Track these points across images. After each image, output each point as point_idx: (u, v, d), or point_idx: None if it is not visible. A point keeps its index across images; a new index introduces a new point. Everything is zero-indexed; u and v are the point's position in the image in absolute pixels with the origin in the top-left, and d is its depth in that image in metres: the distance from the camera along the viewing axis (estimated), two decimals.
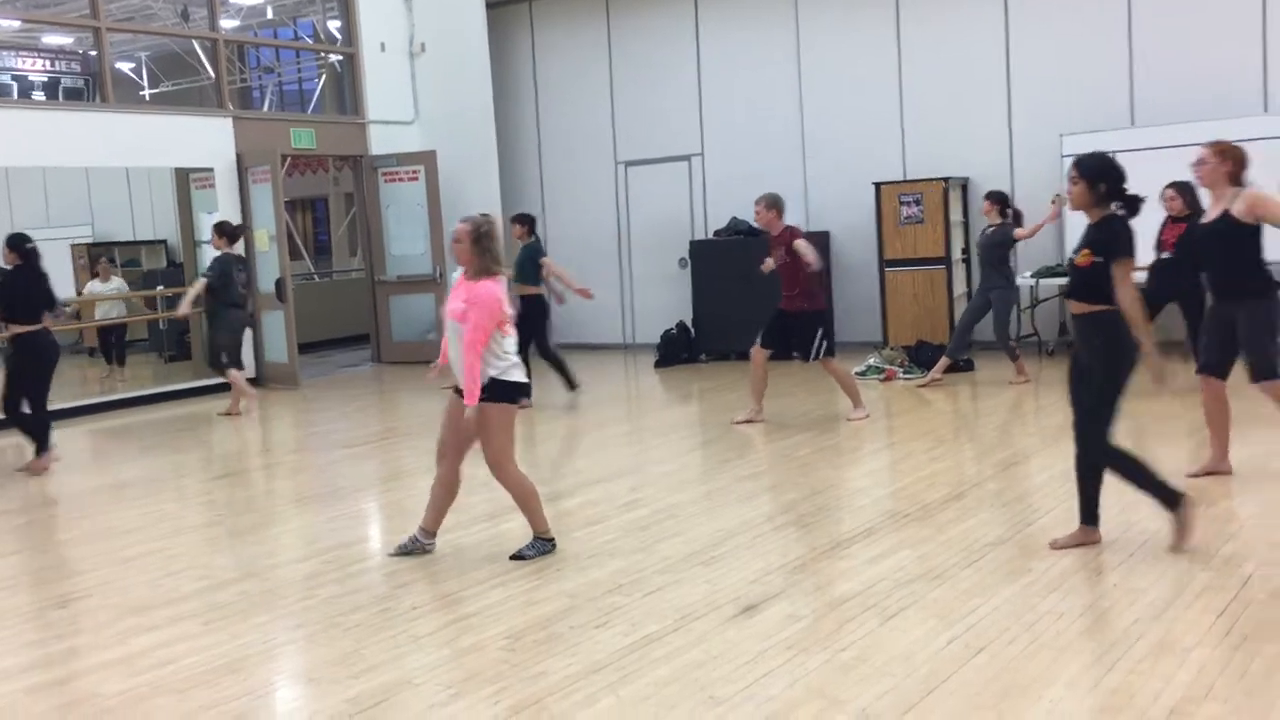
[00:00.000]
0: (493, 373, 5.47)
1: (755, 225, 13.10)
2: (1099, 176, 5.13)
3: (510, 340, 5.57)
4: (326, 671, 4.38)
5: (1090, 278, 5.11)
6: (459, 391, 5.53)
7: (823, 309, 9.09)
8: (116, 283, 14.44)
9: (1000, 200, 10.35)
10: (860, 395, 9.11)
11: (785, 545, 5.76)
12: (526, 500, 5.74)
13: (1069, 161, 11.79)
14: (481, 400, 5.47)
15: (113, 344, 14.64)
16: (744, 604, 4.84)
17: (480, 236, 5.45)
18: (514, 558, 5.64)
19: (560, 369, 10.56)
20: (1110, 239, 5.09)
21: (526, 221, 10.58)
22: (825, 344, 8.90)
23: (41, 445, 8.72)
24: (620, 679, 4.11)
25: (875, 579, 5.07)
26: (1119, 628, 4.35)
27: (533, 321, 10.35)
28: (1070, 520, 5.48)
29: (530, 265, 10.34)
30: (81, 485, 8.42)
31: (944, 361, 10.45)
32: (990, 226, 10.37)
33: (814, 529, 6.01)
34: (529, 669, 4.25)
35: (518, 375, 5.59)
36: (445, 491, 5.80)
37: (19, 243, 8.66)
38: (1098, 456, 5.20)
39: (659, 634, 4.53)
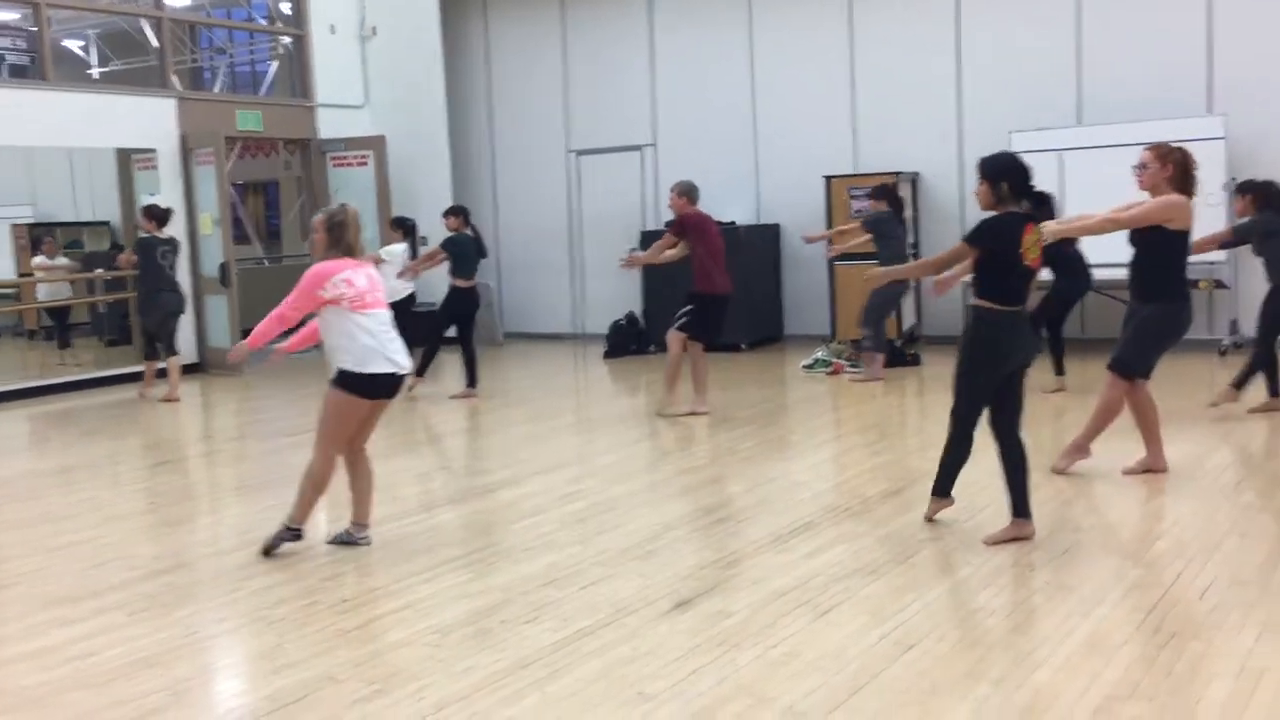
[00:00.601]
0: (344, 359, 5.41)
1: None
2: (1000, 176, 5.23)
3: (370, 320, 5.44)
4: (248, 666, 4.30)
5: (974, 272, 5.30)
6: (336, 383, 5.46)
7: (710, 292, 8.91)
8: (63, 261, 14.20)
9: (887, 194, 10.42)
10: (673, 395, 9.03)
11: (723, 539, 5.73)
12: (311, 487, 5.55)
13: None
14: (330, 381, 5.49)
15: (57, 327, 14.39)
16: (678, 599, 4.80)
17: (333, 226, 5.49)
18: (265, 551, 5.59)
19: (470, 366, 10.43)
20: (974, 228, 5.30)
21: (460, 213, 10.50)
22: (685, 320, 8.89)
23: None
24: (548, 675, 4.06)
25: (810, 574, 5.05)
26: (1049, 625, 4.36)
27: (453, 312, 10.29)
28: (1002, 514, 5.48)
29: (460, 257, 10.24)
30: (16, 470, 8.26)
31: (879, 358, 10.46)
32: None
33: (753, 523, 5.98)
34: (455, 665, 4.19)
35: (372, 366, 5.42)
36: (358, 479, 5.75)
37: None
38: (951, 430, 5.50)
39: (590, 629, 4.49)
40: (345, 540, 5.71)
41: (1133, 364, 6.28)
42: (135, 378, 12.14)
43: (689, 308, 8.96)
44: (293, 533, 5.61)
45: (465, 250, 10.29)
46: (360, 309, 5.42)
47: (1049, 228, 6.24)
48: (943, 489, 5.67)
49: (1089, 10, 11.61)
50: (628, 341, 13.10)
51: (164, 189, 12.55)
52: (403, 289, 11.35)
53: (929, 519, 5.73)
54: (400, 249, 11.30)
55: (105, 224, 16.17)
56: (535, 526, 6.06)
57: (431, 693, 3.95)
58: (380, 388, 5.51)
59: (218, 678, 4.33)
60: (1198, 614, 4.40)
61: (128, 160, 13.34)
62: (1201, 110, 11.04)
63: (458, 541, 5.87)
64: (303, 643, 4.51)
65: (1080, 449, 6.53)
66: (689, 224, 8.92)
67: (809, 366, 11.08)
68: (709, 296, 8.92)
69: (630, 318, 13.36)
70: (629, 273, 13.68)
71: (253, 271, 18.18)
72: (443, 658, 4.27)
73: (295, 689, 4.01)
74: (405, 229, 11.38)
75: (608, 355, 12.96)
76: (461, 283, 10.26)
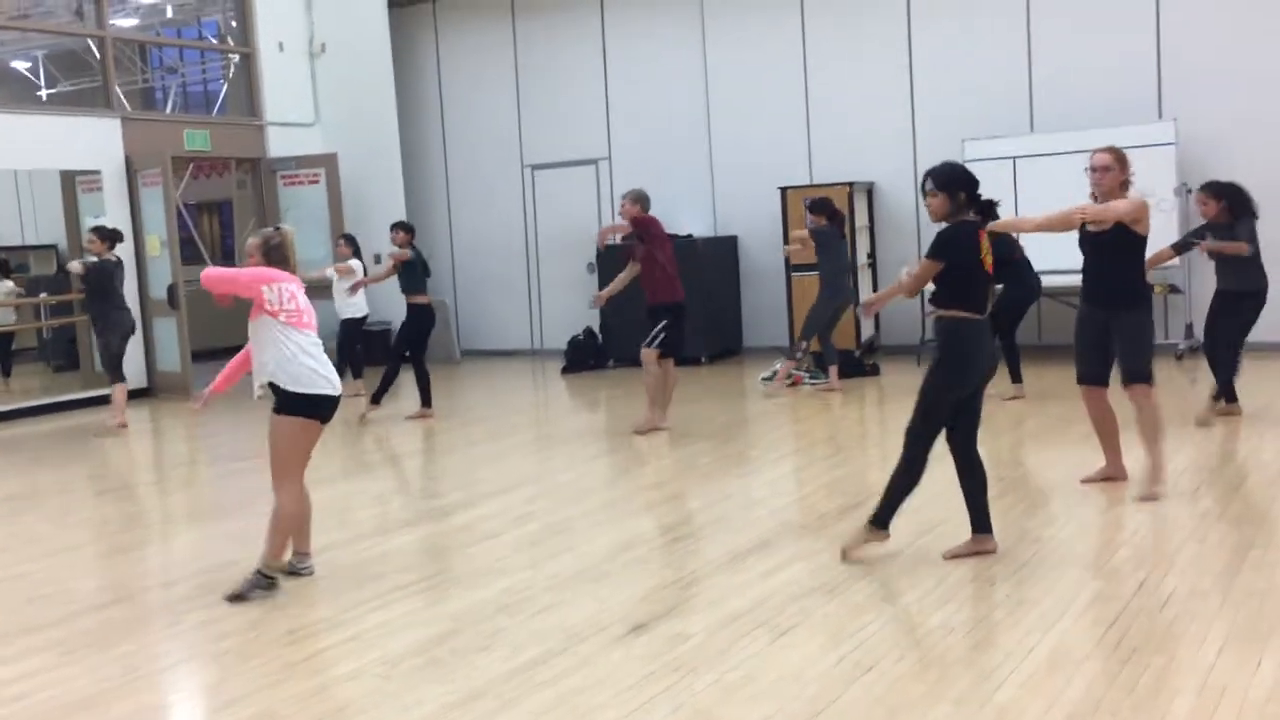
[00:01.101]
0: (284, 379, 5.24)
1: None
2: (956, 186, 5.17)
3: (307, 340, 5.30)
4: (187, 705, 4.14)
5: (937, 284, 5.21)
6: (284, 410, 5.27)
7: (677, 302, 8.80)
8: (8, 285, 13.93)
9: (825, 209, 10.36)
10: (656, 409, 8.85)
11: (680, 559, 5.62)
12: (282, 525, 5.29)
13: (970, 166, 11.97)
14: (273, 411, 5.29)
15: None
16: (632, 623, 4.69)
17: (270, 250, 5.39)
18: (232, 599, 5.19)
19: (424, 385, 10.21)
20: (934, 242, 5.21)
21: (410, 230, 10.35)
22: (664, 336, 8.74)
23: None
24: (499, 707, 3.94)
25: (768, 594, 4.95)
26: (1010, 641, 4.28)
27: (409, 330, 10.13)
28: (960, 528, 5.41)
29: (408, 274, 10.09)
30: None
31: (832, 369, 10.40)
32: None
33: (710, 542, 5.88)
34: (403, 698, 4.06)
35: (317, 387, 5.27)
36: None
37: None
38: (907, 450, 5.23)
39: (543, 657, 4.37)
40: (290, 571, 5.55)
41: (1146, 370, 6.17)
42: (83, 404, 11.93)
43: (664, 323, 8.76)
44: (266, 579, 5.23)
45: (414, 266, 10.15)
46: (299, 326, 5.29)
47: (1003, 224, 6.12)
48: (884, 519, 5.28)
49: (1038, 17, 11.65)
50: (586, 357, 12.99)
51: (109, 211, 12.33)
52: (361, 307, 11.23)
53: (847, 556, 5.31)
54: (358, 265, 11.19)
55: (52, 247, 15.89)
56: (489, 550, 5.93)
57: None
58: (324, 409, 5.36)
59: (156, 718, 4.16)
60: (1159, 627, 4.34)
61: (72, 182, 13.10)
62: (1152, 116, 11.09)
63: (409, 567, 5.72)
64: (247, 677, 4.36)
65: (1157, 470, 6.26)
66: (654, 229, 8.79)
67: (768, 379, 11.00)
68: (678, 306, 8.80)
69: (588, 332, 13.25)
70: (586, 287, 13.61)
71: (206, 293, 17.91)
72: (391, 690, 4.14)
73: None
74: (355, 246, 11.30)
75: (565, 371, 12.84)
76: (420, 299, 10.10)
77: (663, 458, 8.11)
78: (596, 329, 13.27)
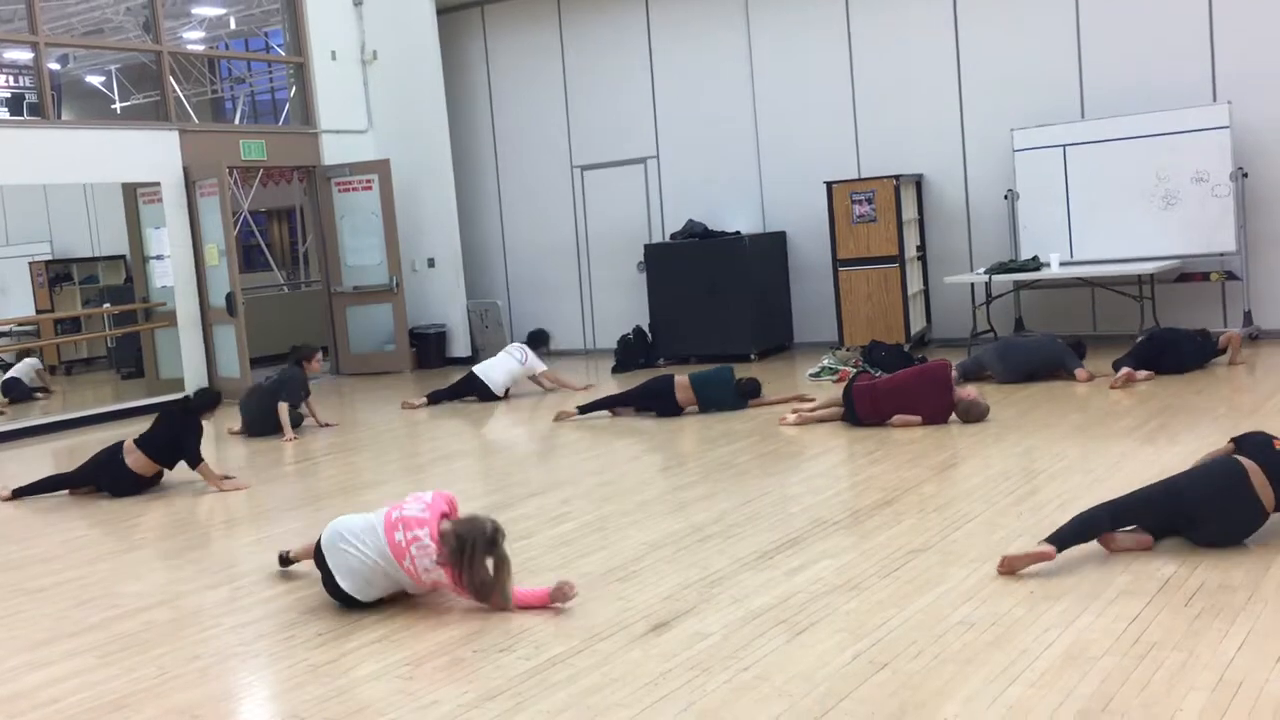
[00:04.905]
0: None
1: (710, 228, 13.11)
2: None
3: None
4: (212, 708, 4.24)
5: None
6: None
7: None
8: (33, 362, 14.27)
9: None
10: None
11: (708, 558, 5.63)
12: None
13: (1020, 155, 11.71)
14: None
15: None
16: (654, 622, 4.72)
17: (464, 551, 4.98)
18: None
19: None
20: None
21: None
22: None
23: None
24: (514, 706, 3.99)
25: (791, 592, 4.96)
26: (1028, 638, 4.24)
27: None
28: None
29: None
30: (13, 510, 8.21)
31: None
32: None
33: (739, 540, 5.88)
34: (422, 698, 4.13)
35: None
36: None
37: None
38: None
39: (563, 656, 4.42)
40: None
41: None
42: (148, 410, 12.18)
43: None
44: None
45: None
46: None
47: None
48: None
49: (1088, 3, 11.46)
50: (636, 355, 13.03)
51: (169, 221, 12.63)
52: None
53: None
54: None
55: (120, 258, 16.31)
56: (522, 550, 5.97)
57: None
58: None
59: None
60: (1181, 622, 4.27)
61: (134, 194, 13.44)
62: (1206, 99, 10.85)
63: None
64: (273, 679, 4.47)
65: None
66: None
67: (816, 374, 10.96)
68: None
69: (638, 331, 13.29)
70: (638, 286, 13.62)
71: (272, 299, 18.32)
72: (411, 691, 4.21)
73: None
74: None
75: (616, 370, 12.89)
76: None
77: (701, 457, 8.12)
78: (646, 328, 13.31)
